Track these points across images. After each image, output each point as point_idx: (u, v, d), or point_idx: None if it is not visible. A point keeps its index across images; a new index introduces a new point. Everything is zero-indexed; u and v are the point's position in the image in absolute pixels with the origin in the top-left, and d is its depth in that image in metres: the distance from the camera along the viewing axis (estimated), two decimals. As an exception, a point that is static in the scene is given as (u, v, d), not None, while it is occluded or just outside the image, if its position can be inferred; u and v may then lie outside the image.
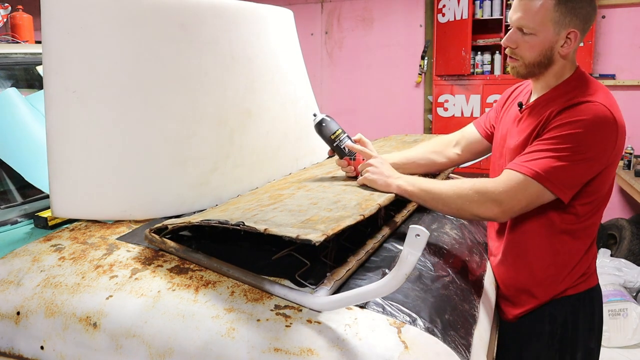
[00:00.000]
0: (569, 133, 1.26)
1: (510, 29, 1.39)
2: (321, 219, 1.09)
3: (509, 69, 1.43)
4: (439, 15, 4.84)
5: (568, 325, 1.44)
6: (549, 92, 1.40)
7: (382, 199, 1.30)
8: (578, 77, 1.38)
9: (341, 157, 1.53)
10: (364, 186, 1.43)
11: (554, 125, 1.29)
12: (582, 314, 1.44)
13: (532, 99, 1.44)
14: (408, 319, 1.03)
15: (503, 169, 1.34)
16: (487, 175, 1.46)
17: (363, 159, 1.49)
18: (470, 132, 1.69)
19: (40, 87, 1.91)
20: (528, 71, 1.39)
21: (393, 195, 1.36)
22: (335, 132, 1.51)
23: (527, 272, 1.44)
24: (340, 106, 5.36)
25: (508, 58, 1.42)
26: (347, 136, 1.52)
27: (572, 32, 1.32)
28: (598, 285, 1.49)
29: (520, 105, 1.47)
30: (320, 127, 1.52)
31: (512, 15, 1.36)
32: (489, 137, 1.63)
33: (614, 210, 4.47)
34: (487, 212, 1.31)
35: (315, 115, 1.53)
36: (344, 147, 1.51)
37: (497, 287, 1.54)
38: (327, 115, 1.53)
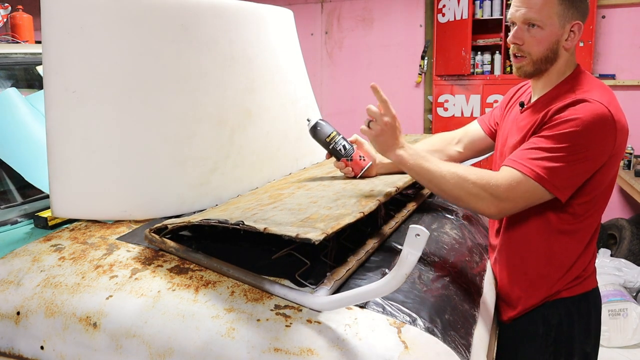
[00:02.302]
0: (566, 132, 1.25)
1: (513, 27, 1.37)
2: (321, 217, 1.09)
3: (514, 70, 1.42)
4: (439, 15, 4.84)
5: (563, 329, 1.42)
6: (550, 92, 1.39)
7: (382, 195, 1.30)
8: (577, 75, 1.38)
9: (338, 159, 1.53)
10: (364, 183, 1.42)
11: (552, 124, 1.28)
12: (578, 317, 1.42)
13: (533, 99, 1.44)
14: (408, 319, 1.03)
15: None
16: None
17: (360, 160, 1.50)
18: (473, 130, 1.68)
19: (40, 87, 1.91)
20: (536, 68, 1.37)
21: (393, 191, 1.36)
22: (330, 134, 1.52)
23: (522, 271, 1.44)
24: (340, 106, 5.35)
25: (513, 58, 1.40)
26: (343, 137, 1.53)
27: (576, 24, 1.34)
28: (596, 289, 1.47)
29: (522, 104, 1.47)
30: (315, 131, 1.53)
31: (516, 12, 1.35)
32: (493, 135, 1.63)
33: (614, 210, 4.47)
34: (484, 208, 1.29)
35: (309, 120, 1.55)
36: (340, 149, 1.51)
37: (497, 287, 1.53)
38: (321, 119, 1.55)
